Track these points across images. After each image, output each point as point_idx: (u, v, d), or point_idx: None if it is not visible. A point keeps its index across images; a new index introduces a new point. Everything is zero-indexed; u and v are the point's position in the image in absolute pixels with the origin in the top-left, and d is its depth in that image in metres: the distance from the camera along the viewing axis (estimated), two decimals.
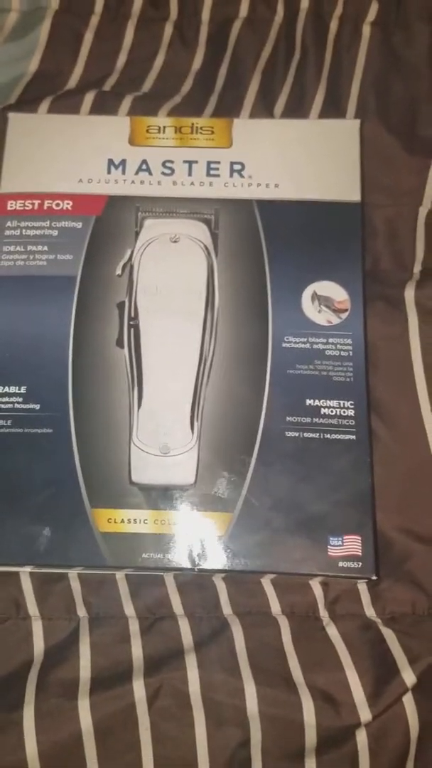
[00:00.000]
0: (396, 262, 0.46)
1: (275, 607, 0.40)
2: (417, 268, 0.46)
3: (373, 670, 0.38)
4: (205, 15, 0.53)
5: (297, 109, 0.50)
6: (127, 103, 0.49)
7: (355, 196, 0.43)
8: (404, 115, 0.49)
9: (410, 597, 0.40)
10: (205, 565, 0.37)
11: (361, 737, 0.37)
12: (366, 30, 0.52)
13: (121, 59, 0.52)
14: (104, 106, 0.49)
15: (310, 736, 0.37)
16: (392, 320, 0.44)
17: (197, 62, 0.52)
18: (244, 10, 0.53)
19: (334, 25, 0.52)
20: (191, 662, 0.38)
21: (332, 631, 0.39)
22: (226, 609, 0.40)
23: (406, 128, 0.49)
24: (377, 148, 0.48)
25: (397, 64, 0.51)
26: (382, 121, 0.49)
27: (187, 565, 0.37)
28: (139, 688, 0.37)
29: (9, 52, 0.52)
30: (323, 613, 0.40)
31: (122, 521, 0.37)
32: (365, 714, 0.37)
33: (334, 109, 0.49)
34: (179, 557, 0.37)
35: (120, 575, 0.40)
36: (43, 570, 0.40)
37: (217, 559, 0.37)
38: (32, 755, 0.36)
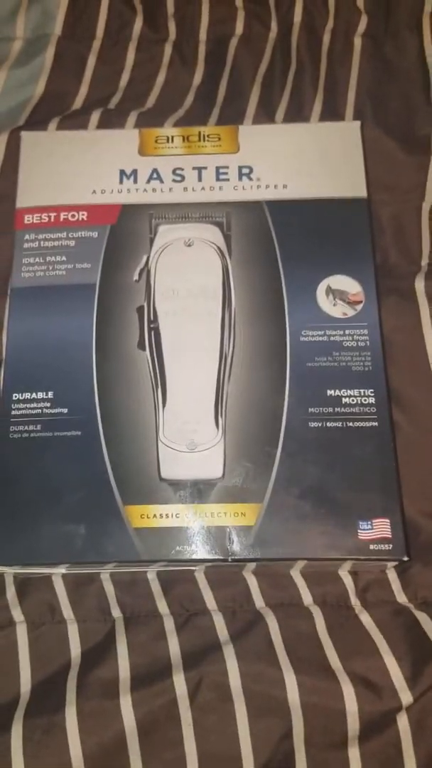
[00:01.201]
0: (404, 256, 0.47)
1: (307, 598, 0.40)
2: (425, 261, 0.47)
3: (410, 654, 0.38)
4: (203, 34, 0.55)
5: (297, 117, 0.51)
6: (132, 118, 0.51)
7: (361, 192, 0.44)
8: (400, 117, 0.51)
9: None
10: (238, 554, 0.37)
11: (403, 722, 0.37)
12: (357, 42, 0.54)
13: (124, 79, 0.54)
14: (110, 122, 0.51)
15: (353, 724, 0.37)
16: (405, 312, 0.45)
17: (197, 78, 0.54)
18: (239, 27, 0.55)
19: (326, 38, 0.54)
20: (229, 654, 0.38)
21: (365, 618, 0.40)
22: (259, 602, 0.40)
23: (403, 130, 0.50)
24: (377, 149, 0.49)
25: (390, 71, 0.53)
26: (379, 124, 0.51)
27: (220, 555, 0.37)
28: (179, 683, 0.37)
29: (16, 77, 0.53)
30: (355, 602, 0.40)
31: (154, 516, 0.38)
32: (406, 696, 0.37)
33: (332, 115, 0.51)
34: (212, 549, 0.37)
35: (152, 575, 0.41)
36: (77, 571, 0.40)
37: (249, 548, 0.37)
38: (77, 757, 0.36)
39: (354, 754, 0.37)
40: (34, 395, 0.40)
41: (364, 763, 0.36)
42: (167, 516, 0.38)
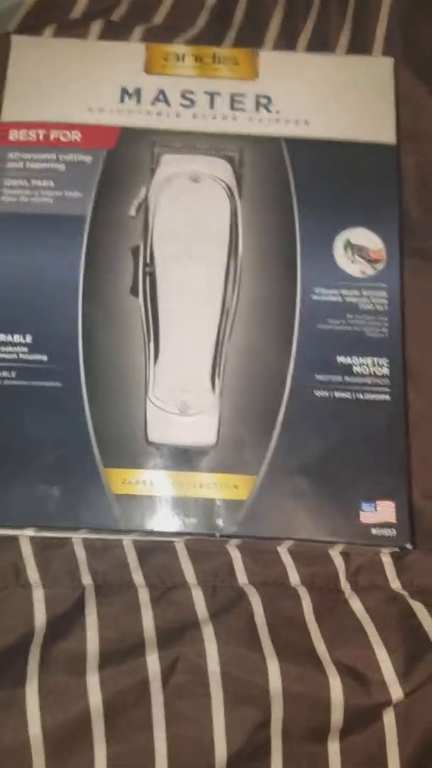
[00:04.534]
0: (428, 213, 0.43)
1: (294, 577, 0.38)
2: None
3: (403, 646, 0.36)
4: None
5: (321, 46, 0.47)
6: (137, 34, 0.46)
7: (390, 138, 0.40)
8: (431, 59, 0.47)
9: None
10: (227, 530, 0.35)
11: (389, 718, 0.35)
12: None
13: None
14: (112, 36, 0.46)
15: (336, 716, 0.35)
16: (425, 275, 0.41)
17: None
18: None
19: None
20: (208, 634, 0.35)
21: (356, 604, 0.37)
22: (242, 578, 0.38)
23: None
24: (404, 92, 0.45)
25: (424, 6, 0.48)
26: (408, 64, 0.46)
27: (207, 530, 0.35)
28: (153, 662, 0.35)
29: None
30: (345, 585, 0.38)
31: (137, 483, 0.35)
32: (396, 692, 0.35)
33: (359, 49, 0.47)
34: (198, 522, 0.35)
35: (128, 541, 0.38)
36: (46, 534, 0.37)
37: (239, 524, 0.35)
38: (36, 735, 0.33)
39: (334, 748, 0.35)
40: (9, 338, 0.36)
41: (343, 758, 0.34)
42: (152, 483, 0.35)
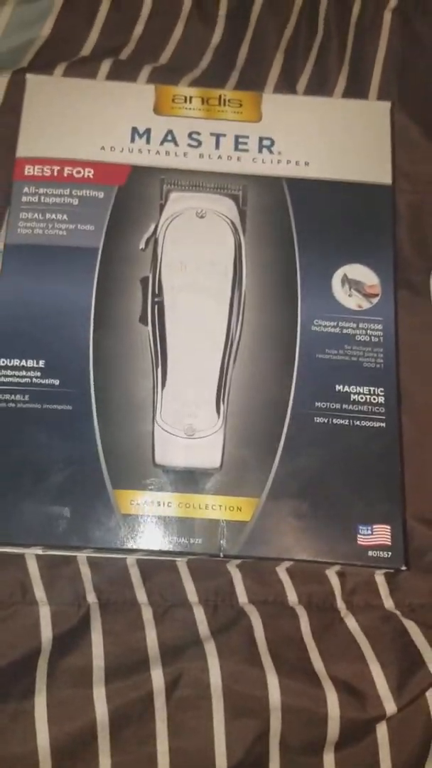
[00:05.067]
0: (419, 249, 0.45)
1: (292, 596, 0.39)
2: None
3: (396, 663, 0.37)
4: None
5: (320, 88, 0.49)
6: (145, 73, 0.48)
7: (386, 178, 0.42)
8: (426, 101, 0.49)
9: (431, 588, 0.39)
10: (231, 551, 0.36)
11: (382, 732, 0.36)
12: (387, 16, 0.51)
13: (138, 29, 0.50)
14: (121, 75, 0.47)
15: (332, 729, 0.36)
16: (416, 309, 0.43)
17: (217, 37, 0.51)
18: None
19: (356, 9, 0.52)
20: (210, 651, 0.36)
21: (351, 622, 0.38)
22: (242, 597, 0.39)
23: (428, 114, 0.48)
24: (399, 133, 0.47)
25: (419, 50, 0.50)
26: (403, 106, 0.48)
27: (211, 551, 0.36)
28: (157, 678, 0.36)
29: (22, 15, 0.50)
30: (341, 604, 0.39)
31: (145, 503, 0.36)
32: (390, 706, 0.36)
33: (356, 91, 0.49)
34: (203, 542, 0.36)
35: (131, 560, 0.39)
36: (52, 552, 0.38)
37: (242, 545, 0.36)
38: (44, 746, 0.34)
39: (329, 759, 0.36)
40: (23, 362, 0.38)
41: None
42: (158, 504, 0.36)
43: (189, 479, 0.36)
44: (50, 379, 0.37)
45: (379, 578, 0.40)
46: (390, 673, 0.37)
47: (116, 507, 0.36)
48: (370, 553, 0.36)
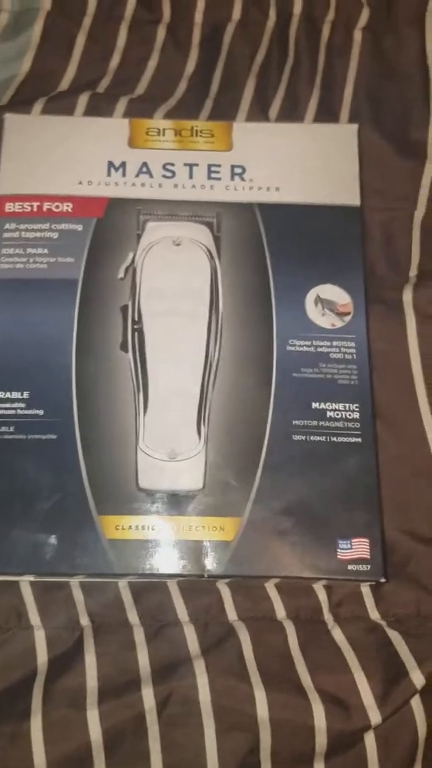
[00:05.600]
0: (392, 265, 0.46)
1: (280, 611, 0.40)
2: (413, 272, 0.46)
3: (381, 672, 0.38)
4: (198, 18, 0.53)
5: (292, 113, 0.50)
6: (122, 105, 0.49)
7: (354, 200, 0.43)
8: (397, 119, 0.50)
9: (415, 598, 0.40)
10: (215, 571, 0.37)
11: (370, 740, 0.37)
12: (357, 35, 0.52)
13: (114, 61, 0.51)
14: (99, 108, 0.48)
15: (320, 740, 0.37)
16: (391, 324, 0.44)
17: (191, 65, 0.52)
18: (236, 13, 0.53)
19: (326, 30, 0.52)
20: (200, 669, 0.37)
21: (338, 634, 0.39)
22: (231, 614, 0.40)
23: (399, 132, 0.49)
24: (370, 152, 0.48)
25: (389, 68, 0.51)
26: (375, 125, 0.49)
27: (196, 571, 0.37)
28: (148, 697, 0.37)
29: (1, 52, 0.51)
30: (328, 617, 0.40)
31: (130, 528, 0.37)
32: (375, 716, 0.37)
33: (327, 113, 0.50)
34: (188, 564, 0.37)
35: (123, 583, 0.40)
36: (46, 579, 0.39)
37: (226, 564, 0.37)
38: (40, 766, 0.35)
39: None
40: (8, 395, 0.39)
41: None
42: (143, 528, 0.37)
43: (172, 502, 0.37)
44: (34, 410, 0.38)
45: (365, 589, 0.41)
46: (375, 684, 0.37)
47: (102, 533, 0.37)
48: (349, 566, 0.37)
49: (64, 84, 0.50)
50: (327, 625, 0.40)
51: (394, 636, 0.39)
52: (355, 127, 0.45)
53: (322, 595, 0.40)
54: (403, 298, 0.44)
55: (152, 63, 0.51)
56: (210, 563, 0.37)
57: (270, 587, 0.40)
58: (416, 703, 0.38)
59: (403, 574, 0.40)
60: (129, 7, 0.52)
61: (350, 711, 0.37)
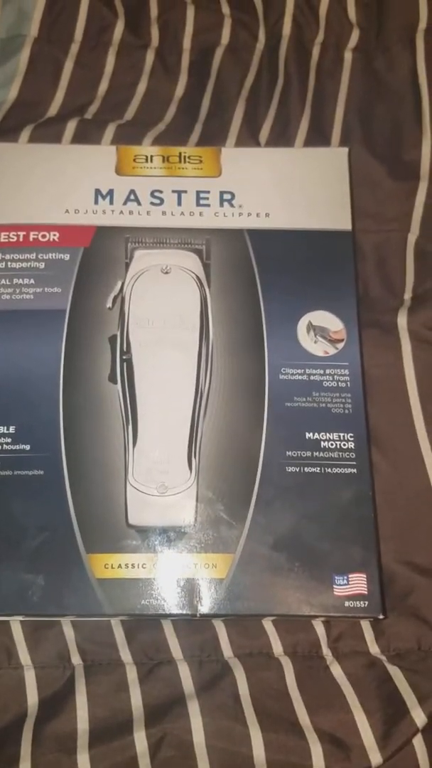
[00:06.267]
0: (387, 288, 0.46)
1: (277, 647, 0.39)
2: (407, 295, 0.45)
3: (381, 711, 0.37)
4: (187, 42, 0.52)
5: (282, 136, 0.49)
6: (110, 131, 0.49)
7: (346, 224, 0.43)
8: (389, 140, 0.49)
9: (415, 632, 0.39)
10: (207, 610, 0.36)
11: None
12: (348, 56, 0.52)
13: (103, 86, 0.51)
14: (87, 134, 0.48)
15: None
16: (386, 347, 0.43)
17: (180, 89, 0.52)
18: (225, 37, 0.52)
19: (316, 52, 0.52)
20: (194, 710, 0.36)
21: (336, 670, 0.38)
22: (227, 651, 0.39)
23: (391, 153, 0.49)
24: (363, 174, 0.47)
25: (380, 88, 0.51)
26: (367, 146, 0.49)
27: (187, 611, 0.36)
28: (140, 740, 0.36)
29: None
30: (326, 652, 0.39)
31: (119, 566, 0.36)
32: (375, 757, 0.36)
33: (318, 135, 0.49)
34: (179, 603, 0.36)
35: (115, 620, 0.39)
36: (35, 619, 0.38)
37: (219, 603, 0.36)
38: None
39: None
40: None
41: None
42: (133, 566, 0.36)
43: (163, 538, 0.37)
44: (21, 445, 0.38)
45: (365, 623, 0.40)
46: (375, 722, 0.36)
47: (90, 572, 0.36)
48: (346, 603, 0.36)
49: (53, 110, 0.50)
50: (326, 660, 0.39)
51: (395, 672, 0.38)
52: (345, 150, 0.45)
53: (320, 630, 0.39)
54: (398, 321, 0.44)
55: (141, 88, 0.51)
56: (202, 602, 0.36)
57: (267, 622, 0.39)
58: (418, 742, 0.36)
59: (404, 606, 0.39)
60: (117, 33, 0.52)
61: (350, 752, 0.36)
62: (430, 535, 0.40)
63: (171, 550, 0.36)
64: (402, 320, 0.44)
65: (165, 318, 0.40)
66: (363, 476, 0.38)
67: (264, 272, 0.41)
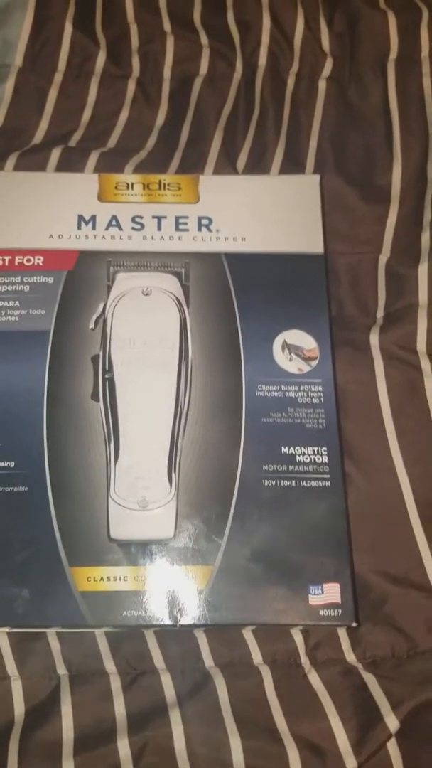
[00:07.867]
0: (359, 308, 0.47)
1: (257, 656, 0.40)
2: (380, 314, 0.47)
3: (356, 717, 0.38)
4: (167, 72, 0.54)
5: (258, 163, 0.51)
6: (93, 158, 0.50)
7: (318, 248, 0.44)
8: (361, 165, 0.51)
9: (389, 640, 0.40)
10: (187, 620, 0.37)
11: None
12: (322, 85, 0.54)
13: (86, 115, 0.53)
14: (71, 161, 0.50)
15: None
16: (359, 365, 0.45)
17: (161, 118, 0.53)
18: (204, 67, 0.54)
19: (291, 82, 0.54)
20: (175, 718, 0.37)
21: (314, 678, 0.39)
22: (208, 661, 0.40)
23: (364, 178, 0.51)
24: (336, 198, 0.49)
25: (353, 115, 0.53)
26: (340, 172, 0.51)
27: (168, 621, 0.37)
28: (123, 748, 0.37)
29: None
30: (304, 660, 0.40)
31: (102, 579, 0.37)
32: (351, 762, 0.37)
33: (293, 163, 0.51)
34: (160, 613, 0.37)
35: (99, 631, 0.40)
36: (20, 630, 0.39)
37: (198, 613, 0.37)
38: None
39: None
40: None
41: None
42: (115, 579, 0.37)
43: (143, 551, 0.38)
44: (5, 462, 0.39)
45: (342, 632, 0.41)
46: (350, 729, 0.38)
47: (74, 585, 0.37)
48: (321, 612, 0.37)
49: (37, 138, 0.52)
50: (304, 668, 0.40)
51: (369, 679, 0.39)
52: (317, 177, 0.47)
53: (298, 638, 0.40)
54: (370, 339, 0.45)
55: (123, 116, 0.53)
56: (183, 613, 0.37)
57: (247, 633, 0.40)
58: (392, 746, 0.37)
59: (379, 615, 0.40)
60: (99, 63, 0.54)
61: (326, 757, 0.37)
62: (403, 545, 0.42)
63: (152, 563, 0.38)
64: (374, 338, 0.45)
65: (146, 338, 0.42)
66: (336, 489, 0.39)
67: (241, 293, 0.43)
